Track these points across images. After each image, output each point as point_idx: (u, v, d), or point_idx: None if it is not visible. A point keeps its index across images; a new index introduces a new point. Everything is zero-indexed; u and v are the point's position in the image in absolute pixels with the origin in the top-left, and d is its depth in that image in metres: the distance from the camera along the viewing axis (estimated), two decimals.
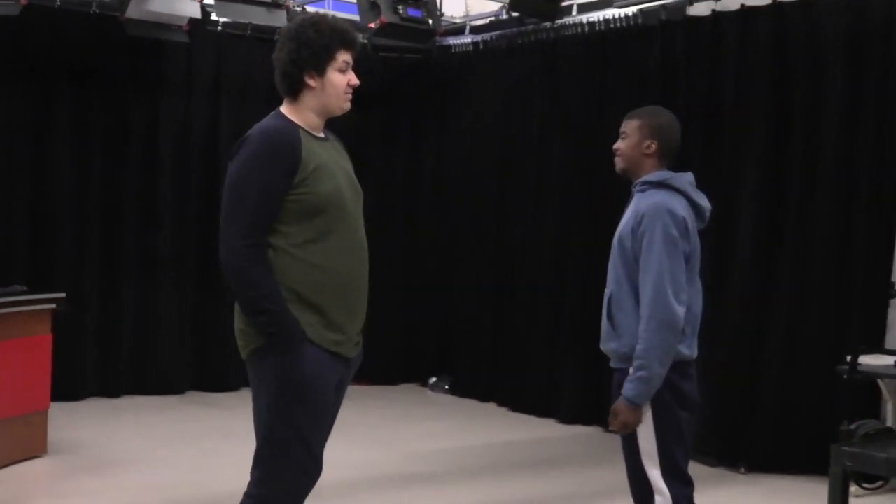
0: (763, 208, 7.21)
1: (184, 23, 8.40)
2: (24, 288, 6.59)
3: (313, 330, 3.46)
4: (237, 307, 3.56)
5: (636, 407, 3.65)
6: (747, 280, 7.23)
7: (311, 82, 3.57)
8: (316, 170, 3.48)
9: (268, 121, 3.60)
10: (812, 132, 7.00)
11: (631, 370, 3.68)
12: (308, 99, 3.60)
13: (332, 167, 3.58)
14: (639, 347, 3.63)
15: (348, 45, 3.61)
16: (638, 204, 3.79)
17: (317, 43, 3.54)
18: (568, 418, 8.46)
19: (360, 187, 3.72)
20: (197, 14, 8.36)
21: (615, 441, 3.83)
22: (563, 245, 8.72)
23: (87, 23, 8.42)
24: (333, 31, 3.58)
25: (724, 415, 7.17)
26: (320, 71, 3.57)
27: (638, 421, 3.68)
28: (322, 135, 3.67)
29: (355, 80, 3.65)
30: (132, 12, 8.12)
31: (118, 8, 8.22)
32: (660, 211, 3.69)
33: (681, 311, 3.64)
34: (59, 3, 8.22)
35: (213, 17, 8.62)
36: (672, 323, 3.62)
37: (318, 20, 3.63)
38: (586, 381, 8.29)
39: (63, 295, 6.73)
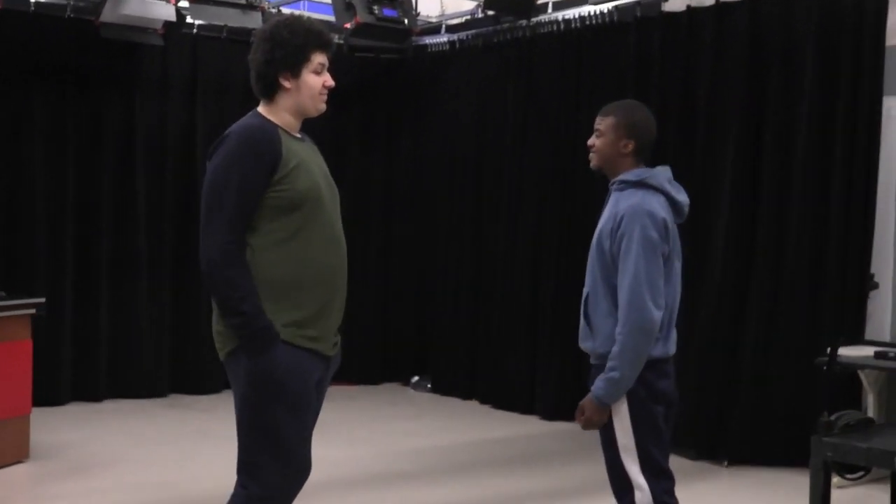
0: (739, 201, 7.25)
1: (159, 26, 8.39)
2: (3, 294, 6.57)
3: (289, 331, 3.45)
4: (215, 308, 3.55)
5: (603, 406, 3.67)
6: (724, 272, 7.26)
7: (286, 83, 3.58)
8: (296, 167, 3.48)
9: (246, 120, 3.59)
10: (787, 125, 7.05)
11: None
12: (283, 100, 3.60)
13: (311, 165, 3.59)
14: (613, 349, 3.63)
15: (323, 46, 3.61)
16: (617, 204, 3.77)
17: (291, 44, 3.54)
18: (549, 414, 8.48)
19: (335, 186, 3.72)
20: (172, 17, 8.33)
21: (596, 437, 3.85)
22: (541, 242, 8.74)
23: (61, 26, 8.39)
24: (308, 32, 3.58)
25: (705, 408, 7.21)
26: (295, 72, 3.57)
27: (603, 420, 3.70)
28: (299, 135, 3.67)
29: (331, 82, 3.65)
30: (107, 16, 8.11)
31: (93, 12, 8.20)
32: (639, 213, 3.67)
33: (657, 314, 3.63)
34: (33, 8, 8.19)
35: (189, 19, 8.59)
36: (647, 326, 3.61)
37: (293, 21, 3.62)
38: (566, 377, 8.33)
39: (42, 300, 6.71)
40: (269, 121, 3.57)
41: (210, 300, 3.56)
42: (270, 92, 3.60)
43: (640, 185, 3.78)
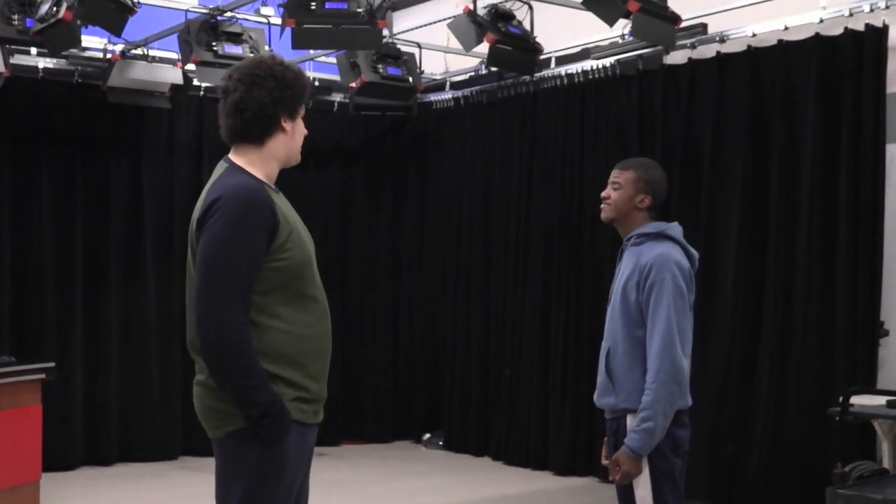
0: (745, 251, 7.26)
1: (166, 89, 8.48)
2: (13, 359, 6.57)
3: (295, 406, 3.20)
4: (202, 381, 3.32)
5: (638, 457, 3.67)
6: (734, 323, 7.25)
7: (286, 126, 3.30)
8: (291, 232, 3.22)
9: (232, 178, 3.24)
10: (791, 174, 7.07)
11: (629, 419, 3.72)
12: (276, 145, 3.30)
13: (299, 226, 3.31)
14: (645, 399, 3.65)
15: (309, 94, 3.42)
16: (639, 256, 3.81)
17: (297, 84, 3.30)
18: (562, 470, 8.42)
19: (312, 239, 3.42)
20: (179, 80, 8.42)
21: (610, 491, 3.84)
22: (549, 295, 8.72)
23: (69, 92, 8.49)
24: (306, 78, 3.38)
25: (717, 459, 7.16)
26: (293, 116, 3.32)
27: (639, 471, 3.69)
28: (274, 187, 3.34)
29: (305, 131, 3.41)
30: (114, 81, 8.22)
31: (100, 77, 8.30)
32: (667, 262, 3.73)
33: (687, 364, 3.69)
34: (41, 75, 8.29)
35: (195, 81, 8.66)
36: (679, 376, 3.66)
37: (289, 63, 3.37)
38: (579, 432, 8.28)
39: (52, 364, 6.70)
40: (255, 178, 3.25)
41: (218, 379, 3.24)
42: (266, 135, 3.28)
43: (660, 236, 3.84)
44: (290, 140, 3.33)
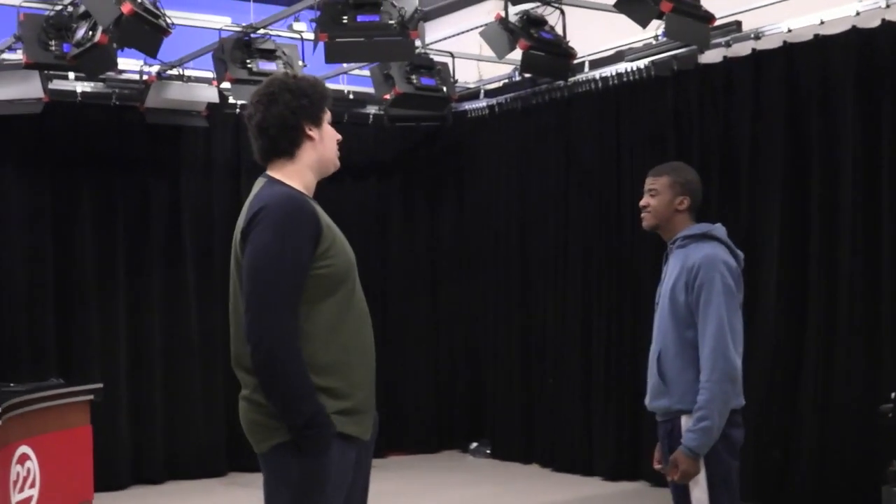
0: (787, 251, 7.19)
1: (202, 108, 8.54)
2: (62, 381, 6.63)
3: (339, 419, 3.19)
4: (247, 395, 3.34)
5: (696, 457, 3.67)
6: (777, 324, 7.18)
7: (312, 133, 3.32)
8: (335, 239, 3.23)
9: (274, 189, 3.26)
10: (832, 170, 7.00)
11: (684, 420, 3.72)
12: (308, 154, 3.33)
13: (340, 234, 3.31)
14: (701, 398, 3.65)
15: (330, 100, 3.42)
16: (686, 258, 3.82)
17: (313, 91, 3.33)
18: (612, 475, 8.36)
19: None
20: (215, 98, 8.48)
21: (661, 495, 3.81)
22: (588, 300, 8.70)
23: (107, 114, 8.58)
24: (322, 85, 3.40)
25: (767, 459, 7.09)
26: (317, 122, 3.33)
27: (697, 470, 3.69)
28: (313, 200, 3.36)
29: (338, 135, 3.43)
30: (151, 101, 8.29)
31: (137, 98, 8.38)
32: (715, 262, 3.75)
33: (739, 362, 3.70)
34: (80, 99, 8.38)
35: (231, 99, 8.73)
36: (733, 374, 3.67)
37: (302, 76, 3.41)
38: (625, 436, 8.22)
39: (101, 385, 6.77)
40: (295, 188, 3.28)
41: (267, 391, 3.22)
42: (294, 146, 3.31)
43: (706, 237, 3.86)
44: (320, 146, 3.35)
